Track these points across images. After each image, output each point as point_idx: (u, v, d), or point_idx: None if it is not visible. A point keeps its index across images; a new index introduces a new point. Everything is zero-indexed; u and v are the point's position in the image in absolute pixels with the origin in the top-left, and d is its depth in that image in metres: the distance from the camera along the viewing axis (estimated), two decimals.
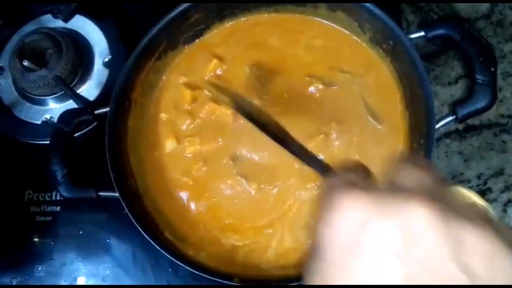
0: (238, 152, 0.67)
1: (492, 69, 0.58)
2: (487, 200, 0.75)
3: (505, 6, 0.85)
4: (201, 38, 0.75)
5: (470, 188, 0.76)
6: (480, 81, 0.58)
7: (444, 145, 0.80)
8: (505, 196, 0.77)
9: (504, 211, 0.76)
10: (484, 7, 0.86)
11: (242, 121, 0.66)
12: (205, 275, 0.58)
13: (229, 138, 0.68)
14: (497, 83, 0.59)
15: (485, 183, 0.78)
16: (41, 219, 0.78)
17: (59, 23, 0.84)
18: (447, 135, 0.80)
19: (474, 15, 0.85)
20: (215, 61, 0.71)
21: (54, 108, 0.81)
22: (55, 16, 0.84)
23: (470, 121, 0.79)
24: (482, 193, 0.77)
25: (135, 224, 0.59)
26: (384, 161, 0.64)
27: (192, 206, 0.67)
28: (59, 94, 0.80)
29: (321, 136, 0.65)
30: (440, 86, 0.82)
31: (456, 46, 0.60)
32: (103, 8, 0.85)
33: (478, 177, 0.78)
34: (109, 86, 0.80)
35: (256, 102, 0.69)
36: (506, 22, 0.85)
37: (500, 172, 0.78)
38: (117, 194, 0.60)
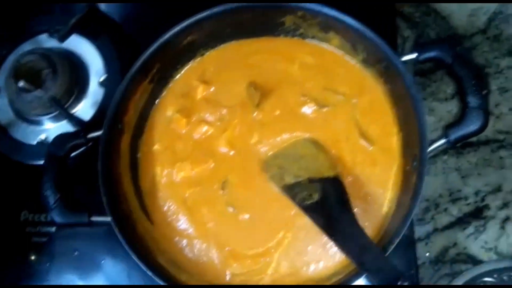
0: (228, 179, 0.67)
1: (484, 92, 0.57)
2: (484, 218, 0.75)
3: (502, 21, 0.85)
4: (194, 60, 0.75)
5: (468, 205, 0.76)
6: (472, 104, 0.57)
7: (441, 161, 0.79)
8: (503, 213, 0.76)
9: (502, 228, 0.75)
10: (481, 22, 0.85)
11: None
12: None
13: (219, 162, 0.68)
14: (489, 105, 0.58)
15: (482, 200, 0.77)
16: (37, 239, 0.78)
17: (55, 43, 0.84)
18: (444, 151, 0.80)
19: (471, 30, 0.85)
20: (203, 85, 0.71)
21: (50, 128, 0.81)
22: (51, 36, 0.84)
23: None
24: (480, 210, 0.76)
25: (127, 248, 0.59)
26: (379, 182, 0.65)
27: (187, 230, 0.67)
28: (54, 114, 0.80)
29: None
30: (437, 102, 0.82)
31: (448, 69, 0.60)
32: (99, 27, 0.85)
33: (476, 194, 0.77)
34: (104, 105, 0.80)
35: (250, 120, 0.69)
36: (503, 37, 0.84)
37: (497, 189, 0.77)
38: (109, 219, 0.60)
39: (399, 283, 0.49)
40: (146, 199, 0.69)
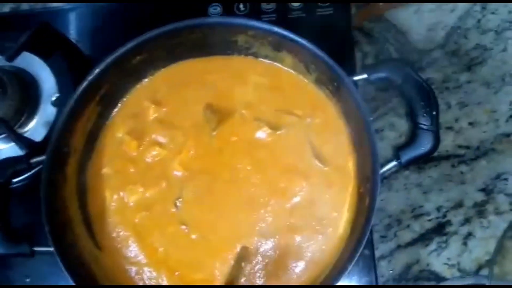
0: (182, 196, 0.66)
1: (434, 113, 0.57)
2: (446, 234, 0.74)
3: (460, 36, 0.85)
4: (145, 80, 0.73)
5: (430, 221, 0.76)
6: (422, 126, 0.57)
7: (403, 177, 0.79)
8: (465, 229, 0.76)
9: (465, 244, 0.76)
10: (439, 36, 0.86)
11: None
12: None
13: (172, 182, 0.67)
14: (439, 127, 0.58)
15: (444, 216, 0.77)
16: None
17: (5, 62, 0.81)
18: (405, 167, 0.79)
19: (429, 45, 0.85)
20: (155, 106, 0.70)
21: None
22: (1, 54, 0.81)
23: None
24: (442, 226, 0.76)
25: (71, 280, 0.56)
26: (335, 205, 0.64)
27: (137, 257, 0.64)
28: (2, 136, 0.77)
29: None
30: (397, 117, 0.82)
31: (398, 89, 0.59)
32: (51, 45, 0.82)
33: (438, 209, 0.77)
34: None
35: (205, 143, 0.67)
36: (461, 51, 0.85)
37: (459, 204, 0.77)
38: (52, 249, 0.57)
39: None
40: (94, 225, 0.66)
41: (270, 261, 0.63)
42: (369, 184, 0.57)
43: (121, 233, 0.65)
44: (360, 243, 0.54)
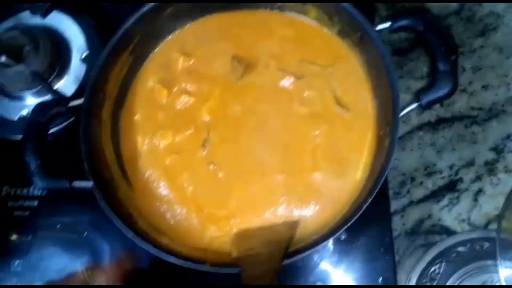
0: (209, 138, 0.69)
1: (453, 58, 0.59)
2: (458, 191, 0.77)
3: (475, 3, 0.88)
4: (174, 33, 0.76)
5: (442, 178, 0.79)
6: (441, 69, 0.59)
7: (417, 137, 0.82)
8: (476, 186, 0.79)
9: (475, 200, 0.78)
10: (455, 3, 0.88)
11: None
12: (177, 263, 0.58)
13: (200, 127, 0.70)
14: (458, 71, 0.60)
15: (456, 173, 0.80)
16: (19, 214, 0.78)
17: (37, 20, 0.85)
18: (419, 127, 0.82)
19: (445, 11, 0.88)
20: (184, 56, 0.73)
21: (31, 104, 0.81)
22: (33, 13, 0.84)
23: (442, 114, 0.82)
24: (454, 183, 0.79)
25: (107, 212, 0.59)
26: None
27: (168, 196, 0.68)
28: (36, 89, 0.81)
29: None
30: (413, 80, 0.85)
31: (420, 37, 0.62)
32: (80, 4, 0.85)
33: (450, 167, 0.80)
34: (86, 81, 0.80)
35: (230, 91, 0.71)
36: (476, 18, 0.87)
37: (471, 163, 0.80)
38: (90, 184, 0.60)
39: None
40: (127, 167, 0.70)
41: (293, 196, 0.66)
42: (389, 126, 0.60)
43: (152, 174, 0.69)
44: (378, 182, 0.57)
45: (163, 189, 0.68)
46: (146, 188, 0.68)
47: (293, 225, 0.65)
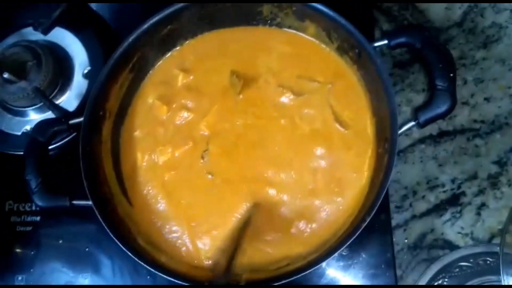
0: (207, 151, 0.70)
1: (451, 75, 0.59)
2: (461, 204, 0.77)
3: (477, 14, 0.87)
4: (174, 49, 0.76)
5: (445, 192, 0.78)
6: (439, 87, 0.59)
7: (419, 150, 0.81)
8: (478, 200, 0.78)
9: (478, 214, 0.77)
10: (456, 15, 0.88)
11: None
12: (176, 280, 0.58)
13: (198, 141, 0.70)
14: (456, 88, 0.60)
15: (459, 187, 0.79)
16: (22, 229, 0.79)
17: (40, 36, 0.85)
18: (421, 140, 0.82)
19: (447, 23, 0.87)
20: (183, 73, 0.73)
21: (34, 119, 0.82)
22: (35, 29, 0.85)
23: (444, 127, 0.81)
24: (456, 197, 0.78)
25: (107, 230, 0.60)
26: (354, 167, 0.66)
27: (164, 212, 0.68)
28: (39, 105, 0.81)
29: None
30: (414, 93, 0.84)
31: (418, 54, 0.62)
32: (83, 20, 0.86)
33: (452, 181, 0.79)
34: (88, 96, 0.81)
35: (229, 106, 0.71)
36: (478, 29, 0.87)
37: (473, 176, 0.79)
38: (90, 202, 0.61)
39: None
40: (127, 183, 0.71)
41: (282, 218, 0.66)
42: (387, 143, 0.60)
43: (151, 190, 0.69)
44: (376, 201, 0.57)
45: (160, 205, 0.69)
46: (145, 203, 0.69)
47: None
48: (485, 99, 0.82)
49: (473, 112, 0.82)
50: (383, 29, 0.88)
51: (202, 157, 0.70)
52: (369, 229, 0.59)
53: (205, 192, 0.68)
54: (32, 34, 0.87)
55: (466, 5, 0.88)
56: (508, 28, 0.86)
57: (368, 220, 0.56)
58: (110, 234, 0.60)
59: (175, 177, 0.69)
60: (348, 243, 0.56)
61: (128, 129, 0.73)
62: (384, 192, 0.57)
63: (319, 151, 0.68)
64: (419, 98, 0.84)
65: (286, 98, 0.71)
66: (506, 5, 0.87)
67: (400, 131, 0.60)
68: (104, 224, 0.60)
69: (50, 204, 0.62)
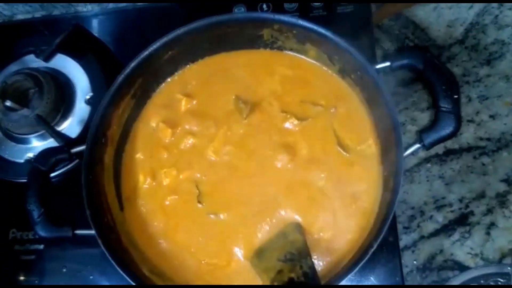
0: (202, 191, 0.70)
1: (455, 96, 0.58)
2: (469, 224, 0.75)
3: (479, 31, 0.87)
4: (175, 74, 0.76)
5: (452, 212, 0.77)
6: (444, 108, 0.58)
7: (425, 169, 0.80)
8: (487, 219, 0.77)
9: (488, 233, 0.76)
10: (458, 32, 0.88)
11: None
12: None
13: (205, 168, 0.70)
14: (461, 110, 0.59)
15: (467, 206, 0.78)
16: (25, 257, 0.78)
17: (41, 63, 0.86)
18: (427, 159, 0.81)
19: (449, 41, 0.87)
20: (187, 98, 0.73)
21: (37, 147, 0.82)
22: (37, 56, 0.86)
23: (449, 145, 0.80)
24: (465, 216, 0.77)
25: (111, 260, 0.59)
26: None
27: (166, 242, 0.68)
28: (41, 132, 0.81)
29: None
30: (418, 112, 0.83)
31: (420, 75, 0.61)
32: (84, 46, 0.86)
33: (460, 200, 0.78)
34: (91, 122, 0.81)
35: (234, 131, 0.71)
36: (480, 46, 0.86)
37: (481, 195, 0.78)
38: (93, 232, 0.60)
39: None
40: (125, 204, 0.70)
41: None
42: (393, 166, 0.59)
43: (151, 213, 0.69)
44: (386, 219, 0.56)
45: (159, 228, 0.68)
46: (148, 231, 0.68)
47: (297, 226, 0.65)
48: (490, 116, 0.82)
49: (478, 130, 0.81)
50: (385, 48, 0.88)
51: (199, 201, 0.69)
52: (377, 252, 0.58)
53: (209, 229, 0.68)
54: (34, 61, 0.88)
55: (468, 22, 0.88)
56: (511, 45, 0.85)
57: (375, 246, 0.55)
58: (114, 264, 0.59)
59: (175, 202, 0.69)
60: (357, 269, 0.55)
61: (130, 152, 0.73)
62: (392, 215, 0.56)
63: (321, 173, 0.67)
64: (423, 117, 0.83)
65: (290, 124, 0.70)
66: (508, 21, 0.87)
67: (405, 154, 0.59)
68: (107, 254, 0.59)
69: (53, 234, 0.61)
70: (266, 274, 0.60)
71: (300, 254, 0.60)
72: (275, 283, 0.58)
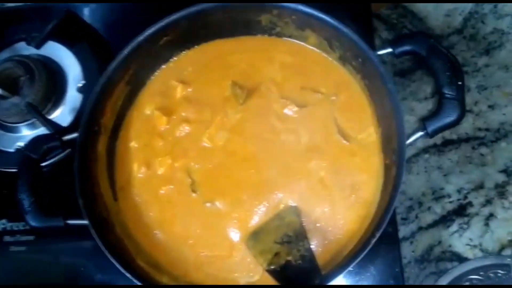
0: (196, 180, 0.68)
1: (460, 83, 0.57)
2: (468, 215, 0.75)
3: (478, 21, 0.86)
4: (171, 60, 0.74)
5: (451, 203, 0.76)
6: (448, 95, 0.57)
7: (423, 160, 0.80)
8: (486, 210, 0.76)
9: (486, 224, 0.76)
10: (457, 22, 0.87)
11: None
12: None
13: (201, 153, 0.69)
14: (465, 97, 0.58)
15: (465, 197, 0.77)
16: (16, 249, 0.76)
17: (33, 50, 0.83)
18: (425, 150, 0.80)
19: (447, 30, 0.86)
20: (182, 84, 0.72)
21: (27, 135, 0.80)
22: (28, 43, 0.83)
23: (447, 136, 0.80)
24: (463, 207, 0.76)
25: (105, 251, 0.57)
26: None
27: (162, 233, 0.66)
28: (32, 121, 0.79)
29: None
30: (416, 102, 0.83)
31: (423, 62, 0.60)
32: (76, 33, 0.84)
33: (459, 191, 0.78)
34: (83, 111, 0.79)
35: (231, 118, 0.69)
36: (479, 36, 0.86)
37: (480, 186, 0.78)
38: (86, 222, 0.58)
39: None
40: (119, 194, 0.69)
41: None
42: (395, 155, 0.58)
43: (145, 202, 0.68)
44: (388, 209, 0.55)
45: (154, 218, 0.67)
46: (143, 221, 0.66)
47: (294, 209, 0.64)
48: (489, 106, 0.81)
49: (477, 120, 0.81)
50: (382, 37, 0.87)
51: (193, 191, 0.68)
52: (377, 242, 0.57)
53: (206, 218, 0.66)
54: (25, 48, 0.85)
55: (466, 11, 0.87)
56: (510, 34, 0.85)
57: (377, 236, 0.54)
58: (108, 255, 0.58)
59: (170, 191, 0.68)
60: (358, 260, 0.54)
61: (124, 141, 0.71)
62: (394, 204, 0.55)
63: (323, 163, 0.66)
64: (421, 107, 0.82)
65: (289, 111, 0.69)
66: (507, 10, 0.86)
67: (407, 142, 0.58)
68: (100, 245, 0.58)
69: (44, 224, 0.60)
70: (263, 257, 0.59)
71: (297, 237, 0.59)
72: (272, 266, 0.58)
